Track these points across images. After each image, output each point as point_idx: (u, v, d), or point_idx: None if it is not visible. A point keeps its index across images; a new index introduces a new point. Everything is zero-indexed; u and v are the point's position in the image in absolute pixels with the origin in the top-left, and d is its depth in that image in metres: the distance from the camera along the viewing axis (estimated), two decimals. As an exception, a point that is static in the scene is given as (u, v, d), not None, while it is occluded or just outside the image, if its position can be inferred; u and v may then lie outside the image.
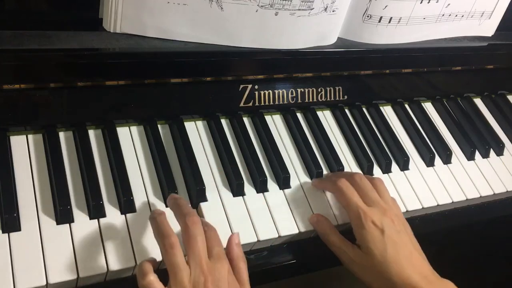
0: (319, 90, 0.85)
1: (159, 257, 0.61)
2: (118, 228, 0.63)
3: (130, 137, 0.73)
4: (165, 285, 0.56)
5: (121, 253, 0.61)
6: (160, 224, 0.60)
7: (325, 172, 0.78)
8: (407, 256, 0.66)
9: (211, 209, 0.68)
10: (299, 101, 0.84)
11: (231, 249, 0.62)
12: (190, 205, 0.67)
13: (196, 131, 0.77)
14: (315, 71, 0.83)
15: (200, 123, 0.78)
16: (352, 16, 0.81)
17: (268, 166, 0.77)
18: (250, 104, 0.80)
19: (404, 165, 0.84)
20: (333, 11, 0.77)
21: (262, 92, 0.80)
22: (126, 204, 0.65)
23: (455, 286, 0.65)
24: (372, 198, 0.70)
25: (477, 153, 0.92)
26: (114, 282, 0.62)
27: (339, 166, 0.79)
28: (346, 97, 0.88)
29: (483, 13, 0.93)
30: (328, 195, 0.75)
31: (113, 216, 0.64)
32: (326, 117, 0.87)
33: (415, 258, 0.67)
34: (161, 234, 0.59)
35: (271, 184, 0.74)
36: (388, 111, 0.93)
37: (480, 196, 0.85)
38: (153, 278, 0.56)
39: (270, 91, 0.81)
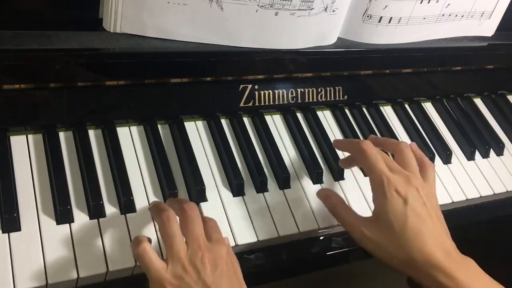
0: (319, 90, 0.85)
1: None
2: (118, 228, 0.63)
3: (130, 137, 0.73)
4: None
5: (121, 253, 0.61)
6: (157, 204, 0.61)
7: (325, 172, 0.78)
8: (429, 231, 0.60)
9: (211, 209, 0.68)
10: (299, 101, 0.84)
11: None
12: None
13: (196, 131, 0.77)
14: (315, 71, 0.83)
15: (200, 123, 0.78)
16: (352, 16, 0.81)
17: (268, 166, 0.77)
18: (250, 104, 0.80)
19: (404, 165, 0.84)
20: (333, 11, 0.77)
21: (262, 92, 0.80)
22: (126, 204, 0.65)
23: (476, 264, 0.61)
24: (393, 167, 0.64)
25: (477, 153, 0.92)
26: (114, 282, 0.62)
27: (339, 166, 0.79)
28: (346, 97, 0.88)
29: (483, 13, 0.93)
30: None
31: (113, 216, 0.64)
32: (326, 117, 0.87)
33: (438, 233, 0.61)
34: (158, 210, 0.59)
35: (271, 184, 0.74)
36: (388, 111, 0.93)
37: (480, 196, 0.85)
38: (147, 246, 0.56)
39: (270, 91, 0.81)
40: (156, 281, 0.54)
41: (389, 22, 0.84)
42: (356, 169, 0.81)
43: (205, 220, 0.60)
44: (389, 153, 0.73)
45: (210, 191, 0.70)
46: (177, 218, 0.58)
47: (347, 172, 0.80)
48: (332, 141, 0.82)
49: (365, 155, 0.65)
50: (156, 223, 0.64)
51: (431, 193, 0.65)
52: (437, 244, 0.60)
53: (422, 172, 0.66)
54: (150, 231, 0.64)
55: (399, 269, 0.61)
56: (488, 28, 0.97)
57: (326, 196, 0.69)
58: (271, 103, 0.82)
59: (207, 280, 0.54)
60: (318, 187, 0.76)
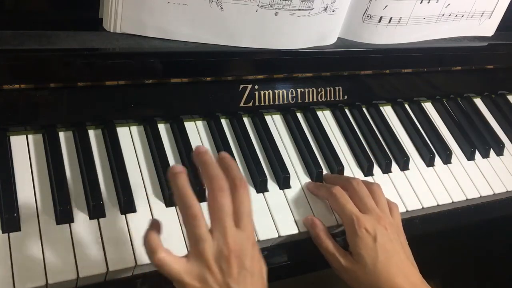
0: (319, 90, 0.85)
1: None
2: (118, 228, 0.63)
3: (130, 137, 0.73)
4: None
5: (121, 253, 0.61)
6: (181, 189, 0.55)
7: (325, 172, 0.78)
8: (398, 264, 0.66)
9: (211, 209, 0.68)
10: (299, 101, 0.84)
11: None
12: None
13: (196, 131, 0.77)
14: (315, 71, 0.83)
15: (200, 123, 0.78)
16: (352, 16, 0.81)
17: (268, 166, 0.77)
18: (250, 104, 0.80)
19: (404, 165, 0.84)
20: (333, 11, 0.77)
21: (262, 92, 0.80)
22: (126, 204, 0.65)
23: None
24: (368, 205, 0.69)
25: (477, 153, 0.92)
26: (114, 282, 0.62)
27: (339, 166, 0.79)
28: (346, 97, 0.88)
29: (483, 13, 0.93)
30: (328, 195, 0.75)
31: (113, 216, 0.64)
32: (326, 117, 0.87)
33: (406, 266, 0.66)
34: (183, 203, 0.55)
35: (271, 184, 0.74)
36: (388, 111, 0.93)
37: (480, 196, 0.85)
38: (164, 254, 0.53)
39: (270, 91, 0.81)
40: (179, 284, 0.53)
41: (389, 22, 0.84)
42: (356, 169, 0.82)
43: (236, 189, 0.56)
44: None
45: (210, 191, 0.70)
46: (203, 213, 0.55)
47: (346, 172, 0.80)
48: (331, 140, 0.83)
49: (335, 199, 0.70)
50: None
51: (399, 230, 0.70)
52: (404, 277, 0.65)
53: (390, 211, 0.72)
54: (150, 231, 0.64)
55: None
56: (488, 28, 0.97)
57: (312, 225, 0.71)
58: (271, 103, 0.82)
59: (231, 284, 0.53)
60: (318, 187, 0.77)
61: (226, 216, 0.55)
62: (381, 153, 0.83)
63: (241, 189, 0.56)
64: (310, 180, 0.77)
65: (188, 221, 0.54)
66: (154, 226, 0.56)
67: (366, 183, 0.73)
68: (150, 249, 0.54)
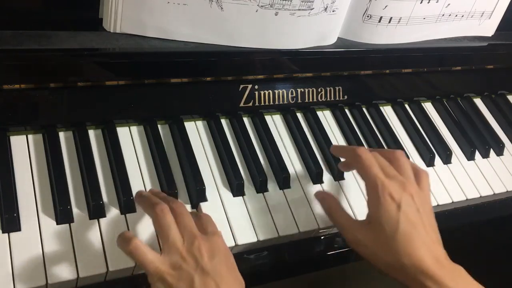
0: (319, 90, 0.85)
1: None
2: (118, 228, 0.63)
3: (130, 137, 0.73)
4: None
5: (121, 253, 0.60)
6: (148, 197, 0.61)
7: (325, 172, 0.78)
8: (422, 237, 0.60)
9: (211, 209, 0.68)
10: (299, 101, 0.84)
11: None
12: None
13: (196, 131, 0.77)
14: (315, 71, 0.83)
15: (200, 123, 0.78)
16: (352, 16, 0.81)
17: (268, 166, 0.77)
18: (250, 104, 0.80)
19: (404, 165, 0.84)
20: (333, 11, 0.77)
21: (262, 92, 0.80)
22: (126, 204, 0.65)
23: (466, 272, 0.61)
24: (389, 172, 0.64)
25: (477, 153, 0.92)
26: (114, 282, 0.62)
27: (339, 166, 0.79)
28: (346, 97, 0.88)
29: (483, 13, 0.93)
30: (328, 195, 0.75)
31: (113, 216, 0.64)
32: (326, 117, 0.87)
33: (429, 239, 0.61)
34: (150, 204, 0.59)
35: (271, 184, 0.74)
36: (388, 111, 0.93)
37: (480, 196, 0.85)
38: (137, 241, 0.56)
39: (270, 91, 0.81)
40: (154, 274, 0.54)
41: (389, 22, 0.84)
42: (356, 169, 0.82)
43: (199, 216, 0.61)
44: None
45: (210, 191, 0.70)
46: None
47: (346, 172, 0.80)
48: (331, 140, 0.83)
49: (359, 159, 0.65)
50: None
51: (425, 200, 0.65)
52: (427, 250, 0.60)
53: (417, 179, 0.66)
54: (150, 231, 0.64)
55: (388, 273, 0.62)
56: (488, 28, 0.97)
57: (323, 198, 0.70)
58: (271, 103, 0.82)
59: (205, 267, 0.54)
60: (318, 187, 0.77)
61: (187, 219, 0.58)
62: (381, 153, 0.83)
63: (176, 208, 0.60)
64: (310, 180, 0.77)
65: (157, 214, 0.57)
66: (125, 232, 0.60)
67: (386, 151, 0.69)
68: (124, 238, 0.56)
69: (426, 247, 0.60)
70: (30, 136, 0.68)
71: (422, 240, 0.60)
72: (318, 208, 0.73)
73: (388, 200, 0.61)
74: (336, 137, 0.85)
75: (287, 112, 0.84)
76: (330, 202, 0.68)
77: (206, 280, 0.54)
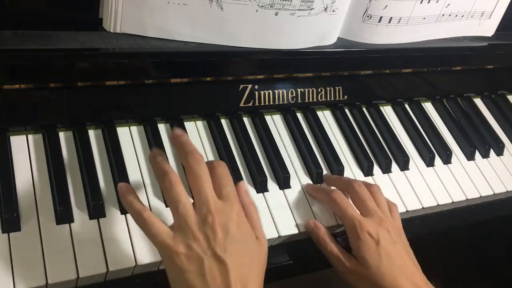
0: (319, 90, 0.85)
1: (159, 257, 0.61)
2: (118, 228, 0.63)
3: (130, 137, 0.73)
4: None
5: (120, 253, 0.61)
6: (159, 163, 0.57)
7: (325, 172, 0.78)
8: (401, 267, 0.66)
9: (211, 209, 0.68)
10: (299, 101, 0.84)
11: (240, 196, 0.59)
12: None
13: (196, 131, 0.77)
14: (315, 71, 0.83)
15: (200, 123, 0.78)
16: (352, 16, 0.81)
17: (268, 166, 0.77)
18: (250, 104, 0.80)
19: (404, 165, 0.84)
20: (333, 11, 0.77)
21: (262, 92, 0.80)
22: (126, 204, 0.65)
23: None
24: (369, 208, 0.69)
25: (477, 153, 0.92)
26: (114, 282, 0.62)
27: (339, 166, 0.79)
28: (346, 97, 0.88)
29: (483, 13, 0.93)
30: (328, 195, 0.75)
31: (113, 216, 0.64)
32: (326, 117, 0.87)
33: (409, 269, 0.66)
34: (161, 173, 0.56)
35: (271, 184, 0.74)
36: (388, 111, 0.93)
37: (480, 196, 0.85)
38: (148, 214, 0.54)
39: (270, 91, 0.81)
40: (163, 248, 0.53)
41: (389, 22, 0.84)
42: (356, 169, 0.82)
43: (214, 167, 0.58)
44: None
45: (210, 191, 0.70)
46: (179, 179, 0.56)
47: (346, 172, 0.80)
48: (331, 140, 0.83)
49: (335, 204, 0.70)
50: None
51: (400, 231, 0.70)
52: (407, 279, 0.65)
53: (390, 212, 0.72)
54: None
55: None
56: (488, 28, 0.97)
57: (315, 227, 0.71)
58: (271, 103, 0.82)
59: (217, 249, 0.52)
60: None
61: (204, 185, 0.55)
62: (381, 153, 0.83)
63: (218, 165, 0.58)
64: (310, 180, 0.77)
65: (166, 187, 0.55)
66: (127, 190, 0.57)
67: (366, 185, 0.73)
68: (137, 209, 0.55)
69: (406, 277, 0.65)
70: (30, 136, 0.68)
71: (402, 271, 0.65)
72: (318, 208, 0.74)
73: (367, 237, 0.66)
74: (336, 137, 0.85)
75: (287, 112, 0.84)
76: (321, 232, 0.70)
77: (217, 266, 0.52)
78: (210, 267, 0.52)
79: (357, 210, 0.70)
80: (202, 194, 0.55)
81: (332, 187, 0.75)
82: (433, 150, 0.88)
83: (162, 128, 0.75)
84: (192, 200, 0.56)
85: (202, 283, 0.52)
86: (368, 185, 0.73)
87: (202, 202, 0.54)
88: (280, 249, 0.72)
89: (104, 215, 0.64)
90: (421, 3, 0.83)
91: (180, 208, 0.54)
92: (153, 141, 0.72)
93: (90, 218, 0.63)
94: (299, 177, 0.77)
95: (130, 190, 0.58)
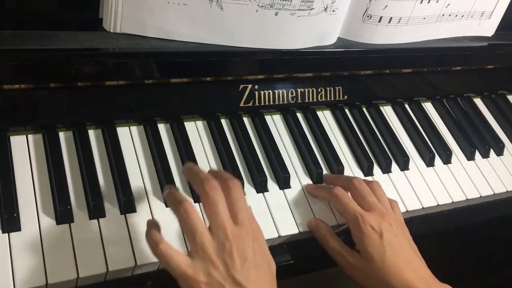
0: (319, 90, 0.85)
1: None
2: (118, 228, 0.63)
3: (130, 137, 0.73)
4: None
5: (121, 253, 0.61)
6: (173, 193, 0.58)
7: (325, 172, 0.78)
8: (406, 260, 0.65)
9: (211, 209, 0.68)
10: (299, 101, 0.84)
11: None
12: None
13: (196, 131, 0.77)
14: (315, 71, 0.83)
15: (200, 123, 0.78)
16: (352, 16, 0.81)
17: (268, 166, 0.77)
18: (250, 104, 0.80)
19: (404, 165, 0.84)
20: (333, 11, 0.77)
21: (262, 92, 0.80)
22: (126, 204, 0.65)
23: None
24: (370, 202, 0.69)
25: (477, 153, 0.92)
26: (114, 282, 0.62)
27: (339, 166, 0.79)
28: (346, 97, 0.88)
29: (483, 13, 0.93)
30: (328, 195, 0.75)
31: (113, 216, 0.64)
32: (326, 117, 0.87)
33: (414, 261, 0.66)
34: (175, 202, 0.56)
35: (271, 184, 0.74)
36: (388, 111, 0.93)
37: (480, 196, 0.85)
38: (168, 246, 0.54)
39: (270, 91, 0.81)
40: (184, 278, 0.53)
41: (389, 22, 0.84)
42: (356, 169, 0.82)
43: (229, 188, 0.57)
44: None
45: (210, 191, 0.70)
46: (195, 207, 0.57)
47: (346, 172, 0.80)
48: (331, 140, 0.82)
49: (337, 199, 0.70)
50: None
51: (402, 226, 0.70)
52: (413, 272, 0.65)
53: (391, 207, 0.72)
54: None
55: None
56: (488, 28, 0.97)
57: (316, 226, 0.71)
58: (271, 103, 0.82)
59: (236, 276, 0.53)
60: (318, 187, 0.77)
61: (221, 211, 0.55)
62: (381, 153, 0.83)
63: (233, 188, 0.58)
64: (310, 180, 0.77)
65: (182, 217, 0.55)
66: (153, 224, 0.57)
67: (366, 181, 0.73)
68: (154, 241, 0.55)
69: (413, 270, 0.65)
70: (30, 136, 0.68)
71: (408, 264, 0.65)
72: (318, 208, 0.74)
73: (370, 231, 0.66)
74: (336, 137, 0.85)
75: (287, 112, 0.84)
76: (323, 230, 0.71)
77: None
78: None
79: (358, 205, 0.70)
80: (219, 221, 0.55)
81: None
82: (433, 150, 0.88)
83: (162, 128, 0.75)
84: (206, 225, 0.56)
85: None
86: (368, 182, 0.73)
87: (219, 229, 0.55)
88: (280, 249, 0.72)
89: (104, 215, 0.64)
90: (421, 3, 0.83)
91: (197, 237, 0.54)
92: (153, 141, 0.72)
93: (90, 218, 0.63)
94: (299, 177, 0.77)
95: (154, 224, 0.58)
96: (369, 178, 0.81)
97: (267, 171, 0.75)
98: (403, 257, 0.65)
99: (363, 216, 0.67)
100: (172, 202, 0.58)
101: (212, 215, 0.55)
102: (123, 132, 0.72)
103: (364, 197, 0.70)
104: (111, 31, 0.69)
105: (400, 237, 0.67)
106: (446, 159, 0.88)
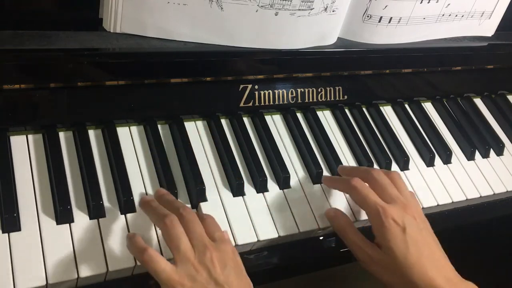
0: (319, 90, 0.85)
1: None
2: (118, 228, 0.63)
3: (130, 137, 0.73)
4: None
5: (121, 253, 0.61)
6: (156, 208, 0.61)
7: (325, 172, 0.78)
8: (430, 257, 0.62)
9: (211, 209, 0.68)
10: (299, 101, 0.84)
11: None
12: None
13: (196, 131, 0.77)
14: (315, 71, 0.83)
15: (200, 123, 0.78)
16: (352, 16, 0.81)
17: (268, 166, 0.77)
18: (250, 104, 0.80)
19: (404, 165, 0.84)
20: (333, 11, 0.77)
21: (262, 92, 0.80)
22: (126, 204, 0.65)
23: None
24: (392, 195, 0.66)
25: (477, 153, 0.92)
26: (114, 282, 0.62)
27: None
28: (346, 97, 0.88)
29: (483, 13, 0.93)
30: (328, 195, 0.75)
31: (113, 216, 0.64)
32: (326, 117, 0.87)
33: (438, 258, 0.63)
34: (158, 216, 0.60)
35: (271, 184, 0.74)
36: (388, 111, 0.93)
37: (480, 196, 0.85)
38: (152, 252, 0.56)
39: (270, 91, 0.81)
40: (169, 282, 0.55)
41: (389, 22, 0.84)
42: (356, 169, 0.82)
43: (203, 218, 0.61)
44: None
45: (210, 191, 0.70)
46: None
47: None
48: (331, 140, 0.82)
49: (356, 191, 0.67)
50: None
51: (424, 219, 0.67)
52: (437, 270, 0.61)
53: (398, 187, 0.69)
54: (150, 230, 0.64)
55: None
56: (488, 28, 0.97)
57: (335, 216, 0.69)
58: (271, 103, 0.82)
59: (218, 279, 0.55)
60: (318, 187, 0.77)
61: (199, 227, 0.59)
62: (381, 153, 0.83)
63: (207, 216, 0.62)
64: (310, 180, 0.77)
65: (166, 227, 0.58)
66: (133, 235, 0.60)
67: (385, 172, 0.70)
68: (139, 248, 0.57)
69: (436, 267, 0.62)
70: (30, 136, 0.68)
71: (431, 260, 0.62)
72: (318, 208, 0.73)
73: (392, 224, 0.63)
74: (336, 137, 0.85)
75: (287, 112, 0.84)
76: (342, 220, 0.69)
77: None
78: None
79: (378, 196, 0.66)
80: (197, 234, 0.58)
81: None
82: (433, 150, 0.88)
83: (162, 128, 0.75)
84: None
85: None
86: (387, 172, 0.70)
87: (199, 241, 0.58)
88: (280, 249, 0.72)
89: (104, 215, 0.64)
90: (421, 3, 0.83)
91: (182, 246, 0.57)
92: (153, 141, 0.72)
93: (90, 218, 0.63)
94: (299, 177, 0.77)
95: (134, 234, 0.60)
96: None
97: (267, 171, 0.75)
98: (427, 254, 0.62)
99: (385, 208, 0.63)
100: (154, 216, 0.61)
101: (191, 232, 0.58)
102: (123, 132, 0.72)
103: (385, 189, 0.66)
104: (111, 31, 0.69)
105: (424, 231, 0.64)
106: (446, 159, 0.88)
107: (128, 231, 0.63)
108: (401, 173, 0.83)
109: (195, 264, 0.56)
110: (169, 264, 0.56)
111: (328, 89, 0.86)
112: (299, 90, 0.83)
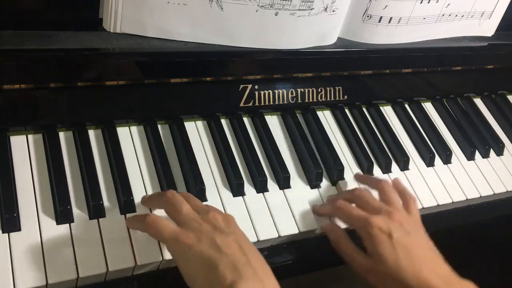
0: (319, 90, 0.85)
1: (159, 257, 0.61)
2: (118, 228, 0.63)
3: (130, 137, 0.73)
4: None
5: (120, 253, 0.61)
6: (152, 194, 0.66)
7: (325, 172, 0.78)
8: (421, 258, 0.64)
9: (211, 209, 0.68)
10: (299, 101, 0.84)
11: None
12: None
13: (196, 131, 0.77)
14: (315, 71, 0.83)
15: (200, 123, 0.78)
16: (352, 16, 0.81)
17: (268, 166, 0.77)
18: (250, 104, 0.80)
19: (404, 165, 0.84)
20: (333, 11, 0.77)
21: (262, 92, 0.80)
22: (126, 204, 0.65)
23: (475, 286, 0.63)
24: (375, 206, 0.68)
25: (477, 153, 0.92)
26: (114, 282, 0.62)
27: (339, 166, 0.79)
28: (346, 97, 0.88)
29: (483, 13, 0.93)
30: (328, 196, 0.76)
31: (113, 216, 0.64)
32: (326, 117, 0.87)
33: (430, 258, 0.64)
34: (158, 195, 0.64)
35: (271, 184, 0.74)
36: (388, 111, 0.93)
37: (480, 196, 0.85)
38: (154, 215, 0.59)
39: (270, 91, 0.81)
40: (172, 239, 0.56)
41: (389, 22, 0.84)
42: (356, 169, 0.82)
43: (186, 198, 0.63)
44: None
45: (210, 191, 0.70)
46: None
47: (346, 172, 0.80)
48: (331, 140, 0.82)
49: (340, 211, 0.70)
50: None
51: (416, 223, 0.69)
52: (431, 270, 0.63)
53: (405, 205, 0.71)
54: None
55: None
56: (488, 28, 0.97)
57: (331, 230, 0.71)
58: (271, 103, 0.82)
59: (224, 230, 0.57)
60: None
61: (195, 199, 0.63)
62: (381, 153, 0.83)
63: (184, 193, 0.64)
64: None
65: (167, 199, 0.61)
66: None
67: (373, 182, 0.73)
68: (140, 216, 0.61)
69: (429, 267, 0.63)
70: (30, 136, 0.68)
71: (424, 261, 0.63)
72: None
73: (378, 233, 0.65)
74: (336, 137, 0.85)
75: (287, 112, 0.84)
76: (337, 234, 0.70)
77: (227, 239, 0.56)
78: (222, 239, 0.56)
79: (362, 210, 0.69)
80: (198, 202, 0.62)
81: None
82: (433, 150, 0.88)
83: (162, 128, 0.75)
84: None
85: (217, 253, 0.54)
86: (375, 182, 0.73)
87: (201, 207, 0.61)
88: (280, 249, 0.72)
89: (104, 215, 0.64)
90: (421, 3, 0.83)
91: (184, 208, 0.59)
92: (153, 141, 0.72)
93: (90, 218, 0.63)
94: (299, 177, 0.77)
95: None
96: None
97: (267, 171, 0.75)
98: (419, 255, 0.63)
99: (369, 219, 0.66)
100: (155, 196, 0.64)
101: (177, 213, 0.59)
102: (123, 132, 0.72)
103: (368, 202, 0.69)
104: (111, 31, 0.69)
105: (412, 234, 0.65)
106: (446, 159, 0.88)
107: (128, 231, 0.63)
108: (401, 173, 0.84)
109: (198, 221, 0.58)
110: (173, 224, 0.58)
111: (328, 89, 0.86)
112: (299, 90, 0.83)
